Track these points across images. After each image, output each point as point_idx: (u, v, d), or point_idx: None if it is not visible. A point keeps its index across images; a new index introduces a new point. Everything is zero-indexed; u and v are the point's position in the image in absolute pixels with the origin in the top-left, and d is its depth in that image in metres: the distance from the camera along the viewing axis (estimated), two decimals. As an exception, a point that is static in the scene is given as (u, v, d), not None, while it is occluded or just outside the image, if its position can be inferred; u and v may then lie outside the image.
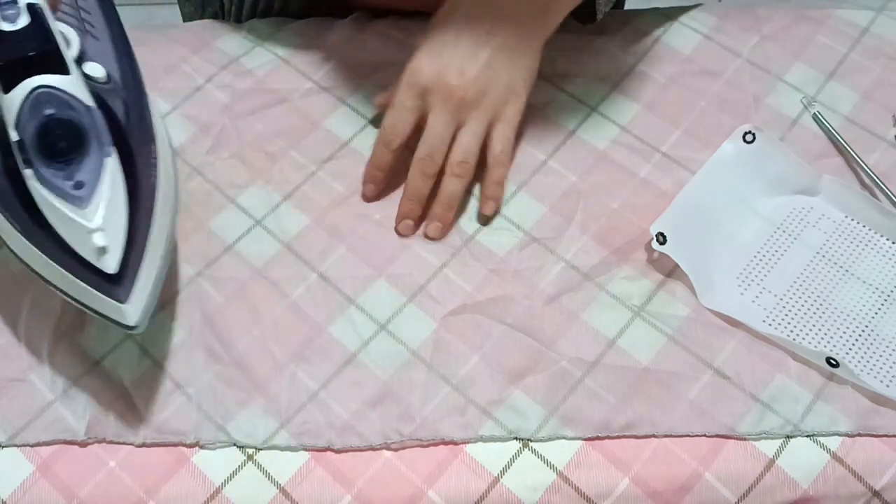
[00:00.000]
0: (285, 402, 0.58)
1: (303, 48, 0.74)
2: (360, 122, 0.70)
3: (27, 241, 0.51)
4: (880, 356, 0.61)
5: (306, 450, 0.56)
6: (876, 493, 0.56)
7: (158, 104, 0.70)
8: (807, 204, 0.67)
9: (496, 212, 0.66)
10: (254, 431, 0.57)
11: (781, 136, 0.70)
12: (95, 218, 0.48)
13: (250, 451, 0.57)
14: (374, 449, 0.56)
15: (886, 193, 0.66)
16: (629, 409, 0.58)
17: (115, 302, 0.49)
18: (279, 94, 0.72)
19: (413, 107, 0.64)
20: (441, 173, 0.65)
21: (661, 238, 0.62)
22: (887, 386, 0.59)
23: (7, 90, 0.47)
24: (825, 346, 0.61)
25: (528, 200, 0.66)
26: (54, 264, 0.50)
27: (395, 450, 0.56)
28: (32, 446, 0.56)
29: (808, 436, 0.57)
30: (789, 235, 0.66)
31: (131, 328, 0.50)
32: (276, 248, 0.64)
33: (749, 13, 0.78)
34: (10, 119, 0.48)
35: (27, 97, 0.47)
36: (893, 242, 0.66)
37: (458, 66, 0.63)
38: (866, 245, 0.66)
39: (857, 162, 0.68)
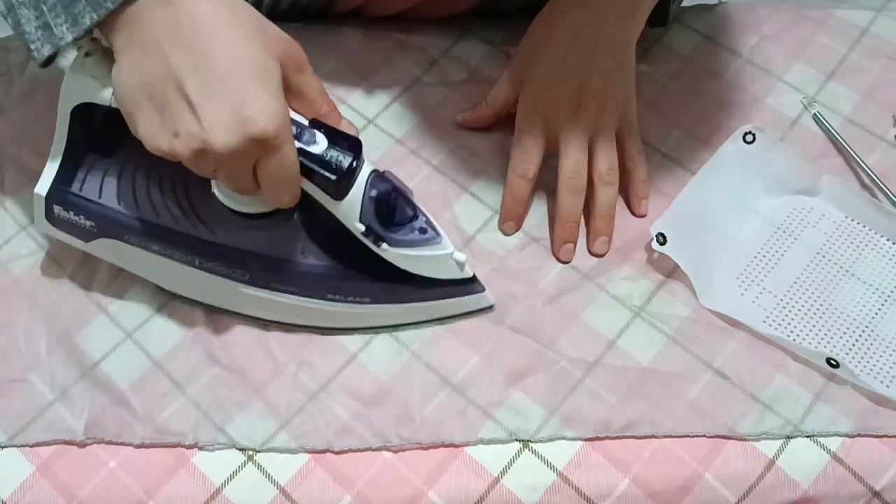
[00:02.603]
0: (285, 403, 0.58)
1: (303, 48, 0.74)
2: (361, 123, 0.70)
3: (386, 305, 0.59)
4: (880, 356, 0.61)
5: (306, 451, 0.56)
6: (876, 494, 0.56)
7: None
8: (807, 204, 0.67)
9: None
10: (253, 433, 0.57)
11: (781, 136, 0.70)
12: (448, 244, 0.57)
13: (250, 451, 0.56)
14: (373, 450, 0.56)
15: (886, 193, 0.66)
16: (629, 410, 0.58)
17: (478, 294, 0.60)
18: (279, 94, 0.72)
19: (539, 131, 0.65)
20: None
21: (662, 238, 0.62)
22: (887, 386, 0.59)
23: (341, 196, 0.53)
24: (825, 347, 0.61)
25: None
26: (425, 303, 0.59)
27: (395, 451, 0.56)
28: (32, 446, 0.56)
29: (808, 436, 0.57)
30: (789, 236, 0.66)
31: (492, 306, 0.61)
32: (276, 249, 0.64)
33: (749, 13, 0.78)
34: (353, 216, 0.54)
35: (366, 187, 0.54)
36: (893, 243, 0.66)
37: (576, 82, 0.64)
38: (866, 245, 0.66)
39: (857, 162, 0.68)
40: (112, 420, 0.57)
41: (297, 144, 0.51)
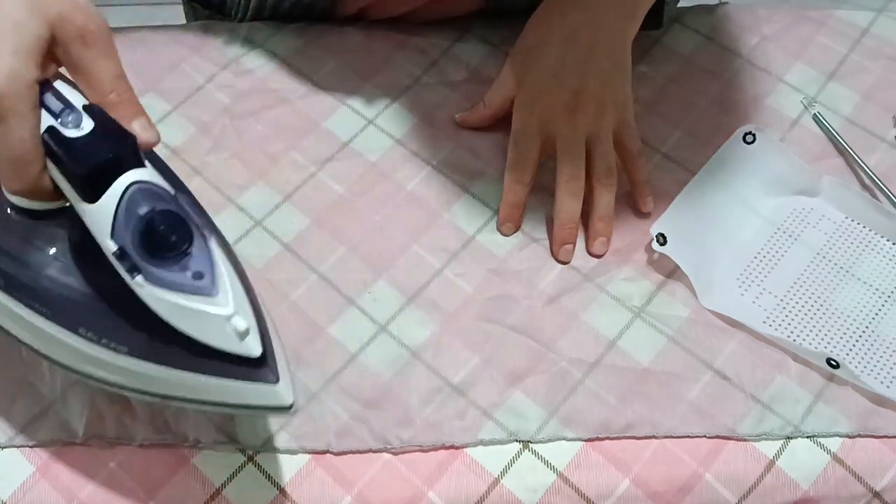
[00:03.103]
0: (285, 403, 0.58)
1: (303, 49, 0.74)
2: (361, 123, 0.70)
3: (145, 362, 0.46)
4: (881, 357, 0.61)
5: (306, 452, 0.56)
6: (876, 494, 0.56)
7: (159, 104, 0.70)
8: (807, 205, 0.67)
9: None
10: (253, 433, 0.57)
11: (782, 136, 0.70)
12: (228, 303, 0.44)
13: (250, 452, 0.56)
14: (373, 451, 0.56)
15: (887, 194, 0.66)
16: (629, 410, 0.58)
17: (267, 385, 0.45)
18: (279, 94, 0.72)
19: (536, 134, 0.65)
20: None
21: (662, 239, 0.62)
22: (888, 387, 0.59)
23: (93, 199, 0.43)
24: (825, 347, 0.61)
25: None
26: (186, 373, 0.45)
27: (396, 454, 0.56)
28: (32, 447, 0.56)
29: (808, 437, 0.57)
30: (790, 236, 0.66)
31: (288, 408, 0.46)
32: (277, 249, 0.64)
33: (749, 14, 0.78)
34: (103, 229, 0.43)
35: (121, 198, 0.43)
36: (894, 243, 0.66)
37: (573, 84, 0.64)
38: (867, 246, 0.66)
39: (858, 163, 0.68)
40: (112, 420, 0.57)
41: (50, 122, 0.43)
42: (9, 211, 0.48)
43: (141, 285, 0.43)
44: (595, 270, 0.64)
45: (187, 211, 0.45)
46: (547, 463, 0.56)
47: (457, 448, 0.57)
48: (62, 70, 0.46)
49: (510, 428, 0.57)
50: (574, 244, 0.64)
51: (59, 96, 0.43)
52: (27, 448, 0.56)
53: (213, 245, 0.46)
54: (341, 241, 0.65)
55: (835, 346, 0.61)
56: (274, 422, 0.57)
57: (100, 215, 0.43)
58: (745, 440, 0.57)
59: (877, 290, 0.63)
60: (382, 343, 0.60)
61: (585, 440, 0.57)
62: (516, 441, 0.57)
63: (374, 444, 0.56)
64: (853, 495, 0.56)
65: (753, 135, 0.68)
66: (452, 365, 0.59)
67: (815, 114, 0.71)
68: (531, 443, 0.57)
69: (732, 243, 0.65)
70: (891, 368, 0.60)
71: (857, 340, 0.61)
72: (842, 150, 0.70)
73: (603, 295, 0.63)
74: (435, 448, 0.56)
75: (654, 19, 0.71)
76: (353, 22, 0.76)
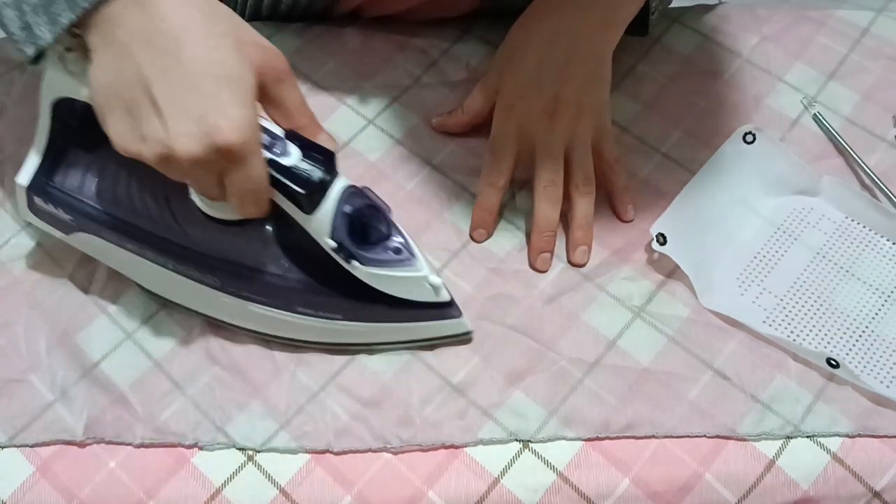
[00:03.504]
0: (284, 404, 0.58)
1: (303, 49, 0.74)
2: (361, 123, 0.70)
3: (358, 323, 0.57)
4: (881, 357, 0.61)
5: (305, 451, 0.56)
6: (876, 494, 0.56)
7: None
8: (807, 204, 0.67)
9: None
10: (253, 433, 0.57)
11: (782, 136, 0.70)
12: (423, 266, 0.55)
13: (250, 451, 0.56)
14: (373, 451, 0.56)
15: (887, 194, 0.66)
16: (629, 410, 0.58)
17: (456, 320, 0.58)
18: (279, 94, 0.72)
19: (514, 140, 0.65)
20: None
21: (662, 238, 0.62)
22: (887, 387, 0.59)
23: (311, 211, 0.52)
24: (825, 347, 0.61)
25: (528, 201, 0.66)
26: (398, 324, 0.58)
27: (396, 453, 0.56)
28: (32, 447, 0.56)
29: (808, 436, 0.57)
30: (789, 236, 0.66)
31: (468, 333, 0.59)
32: (277, 249, 0.64)
33: (749, 14, 0.78)
34: (323, 232, 0.53)
35: (339, 203, 0.52)
36: (894, 243, 0.66)
37: (551, 90, 0.64)
38: (866, 246, 0.66)
39: (858, 162, 0.68)
40: (112, 420, 0.57)
41: (268, 155, 0.50)
42: (205, 222, 0.55)
43: (357, 268, 0.54)
44: (595, 270, 0.64)
45: (379, 201, 0.55)
46: (547, 463, 0.56)
47: (457, 447, 0.57)
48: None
49: (510, 428, 0.57)
50: (552, 252, 0.64)
51: (265, 130, 0.50)
52: (27, 448, 0.56)
53: (394, 220, 0.56)
54: (341, 241, 0.64)
55: (835, 346, 0.61)
56: (273, 422, 0.57)
57: (319, 222, 0.52)
58: (745, 440, 0.57)
59: (877, 289, 0.63)
60: (382, 343, 0.60)
61: (585, 440, 0.57)
62: (516, 441, 0.57)
63: (374, 444, 0.56)
64: (853, 495, 0.56)
65: (753, 135, 0.68)
66: (452, 365, 0.59)
67: (815, 114, 0.71)
68: (531, 442, 0.57)
69: (732, 243, 0.65)
70: (891, 368, 0.60)
71: (857, 340, 0.61)
72: (842, 150, 0.70)
73: (603, 294, 0.63)
74: (435, 448, 0.56)
75: (641, 27, 0.71)
76: (351, 21, 0.76)
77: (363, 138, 0.70)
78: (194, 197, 0.54)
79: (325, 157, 0.52)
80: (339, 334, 0.58)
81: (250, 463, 0.56)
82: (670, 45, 0.75)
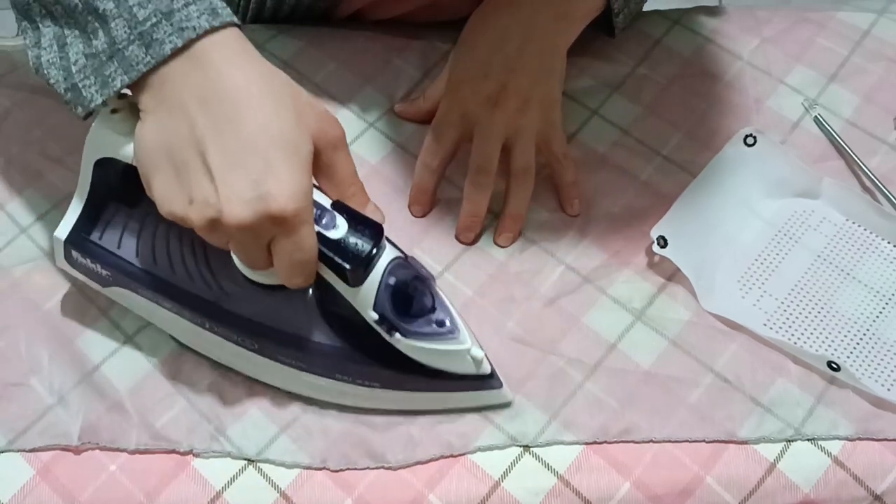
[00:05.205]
0: (283, 412, 0.58)
1: (303, 51, 0.74)
2: (361, 126, 0.70)
3: (395, 391, 0.56)
4: (882, 360, 0.60)
5: (300, 468, 0.56)
6: (877, 497, 0.56)
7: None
8: (808, 207, 0.67)
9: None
10: (250, 440, 0.57)
11: (782, 138, 0.70)
12: (466, 339, 0.54)
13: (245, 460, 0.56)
14: (371, 469, 0.56)
15: (888, 196, 0.66)
16: (629, 414, 0.58)
17: (495, 391, 0.57)
18: (279, 97, 0.71)
19: (454, 124, 0.64)
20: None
21: (662, 241, 0.62)
22: (888, 390, 0.59)
23: (357, 284, 0.51)
24: (826, 350, 0.61)
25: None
26: (437, 394, 0.57)
27: (395, 469, 0.56)
28: (30, 451, 0.56)
29: (809, 440, 0.57)
30: (790, 238, 0.66)
31: (509, 404, 0.58)
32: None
33: (749, 15, 0.78)
34: (366, 304, 0.52)
35: (384, 275, 0.51)
36: (895, 246, 0.65)
37: (499, 79, 0.63)
38: (867, 248, 0.65)
39: (859, 165, 0.68)
40: (107, 425, 0.57)
41: (316, 228, 0.48)
42: (246, 285, 0.54)
43: (399, 341, 0.53)
44: (595, 273, 0.64)
45: (424, 271, 0.54)
46: (548, 466, 0.56)
47: (455, 457, 0.56)
48: None
49: (510, 432, 0.57)
50: (477, 232, 0.64)
51: (313, 201, 0.49)
52: (27, 451, 0.56)
53: (441, 293, 0.55)
54: (342, 244, 0.64)
55: (836, 349, 0.61)
56: (268, 430, 0.57)
57: (364, 294, 0.51)
58: (746, 443, 0.57)
59: (878, 292, 0.63)
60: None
61: (586, 443, 0.57)
62: (516, 445, 0.57)
63: (372, 463, 0.56)
64: (854, 498, 0.56)
65: (754, 137, 0.68)
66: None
67: (815, 116, 0.71)
68: (531, 447, 0.57)
69: (733, 246, 0.65)
70: (892, 371, 0.60)
71: (857, 343, 0.61)
72: (842, 152, 0.69)
73: (603, 297, 0.62)
74: (434, 459, 0.56)
75: (608, 29, 0.71)
76: (352, 24, 0.76)
77: (364, 141, 0.70)
78: (235, 259, 0.53)
79: (372, 231, 0.51)
80: (376, 401, 0.57)
81: (251, 466, 0.56)
82: (670, 48, 0.75)
